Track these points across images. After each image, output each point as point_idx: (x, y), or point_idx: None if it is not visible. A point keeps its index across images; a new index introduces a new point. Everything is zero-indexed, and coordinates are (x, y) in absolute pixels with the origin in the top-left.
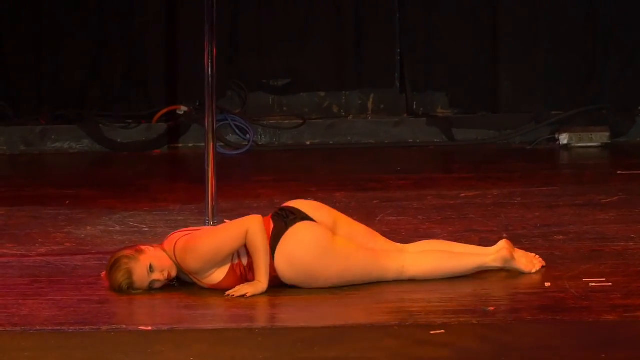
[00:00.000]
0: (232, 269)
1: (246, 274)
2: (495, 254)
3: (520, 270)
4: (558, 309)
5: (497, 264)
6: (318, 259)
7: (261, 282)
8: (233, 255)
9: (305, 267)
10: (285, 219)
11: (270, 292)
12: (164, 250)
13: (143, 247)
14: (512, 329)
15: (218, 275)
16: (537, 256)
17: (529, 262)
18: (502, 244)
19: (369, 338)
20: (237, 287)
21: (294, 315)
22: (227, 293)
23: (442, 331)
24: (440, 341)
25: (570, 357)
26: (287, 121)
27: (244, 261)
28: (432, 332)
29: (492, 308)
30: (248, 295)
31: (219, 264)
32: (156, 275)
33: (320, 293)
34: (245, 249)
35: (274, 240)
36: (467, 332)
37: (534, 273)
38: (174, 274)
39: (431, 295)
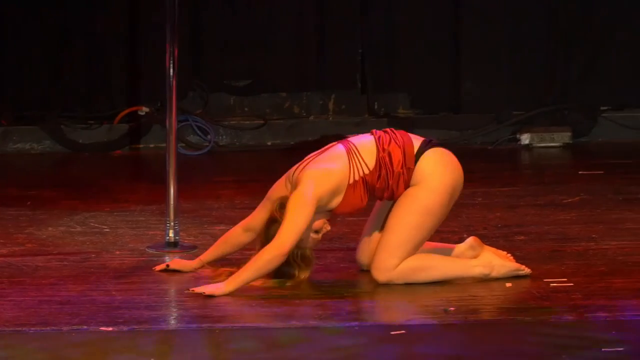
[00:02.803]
0: (350, 189)
1: (372, 183)
2: (482, 264)
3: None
4: (519, 310)
5: (485, 270)
6: (454, 169)
7: (225, 287)
8: (349, 176)
9: (445, 165)
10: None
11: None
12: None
13: None
14: (473, 329)
15: (337, 200)
16: (508, 254)
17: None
18: (471, 242)
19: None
20: (202, 287)
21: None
22: (190, 289)
23: (403, 332)
24: (400, 341)
25: (530, 357)
26: (248, 122)
27: (367, 176)
28: (392, 333)
29: (453, 308)
30: (206, 293)
31: (328, 202)
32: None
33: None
34: (356, 171)
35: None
36: (428, 332)
37: (525, 274)
38: (328, 227)
39: (390, 295)
